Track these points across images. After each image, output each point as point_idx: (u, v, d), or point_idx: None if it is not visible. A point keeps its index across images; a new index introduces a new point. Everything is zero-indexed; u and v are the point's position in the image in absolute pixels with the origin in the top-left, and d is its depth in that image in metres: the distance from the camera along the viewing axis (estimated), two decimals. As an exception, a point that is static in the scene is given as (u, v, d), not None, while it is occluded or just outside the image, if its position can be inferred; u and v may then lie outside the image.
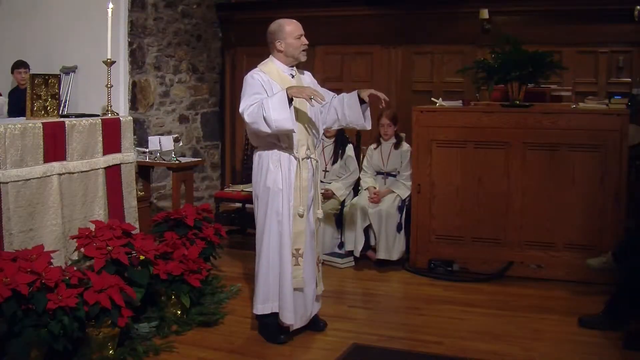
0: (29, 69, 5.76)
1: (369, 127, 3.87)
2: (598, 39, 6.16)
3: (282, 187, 3.63)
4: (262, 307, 3.69)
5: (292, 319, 3.65)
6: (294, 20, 3.73)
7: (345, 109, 3.76)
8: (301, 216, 3.65)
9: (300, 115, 3.65)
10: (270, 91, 3.58)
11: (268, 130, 3.44)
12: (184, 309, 3.93)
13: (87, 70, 5.93)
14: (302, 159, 3.66)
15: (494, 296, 4.56)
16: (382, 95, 3.65)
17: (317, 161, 3.80)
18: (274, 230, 3.64)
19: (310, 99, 3.40)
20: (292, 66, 3.76)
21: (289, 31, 3.66)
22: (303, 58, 3.73)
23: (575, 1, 6.09)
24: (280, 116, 3.38)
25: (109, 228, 3.68)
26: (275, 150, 3.65)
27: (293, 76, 3.74)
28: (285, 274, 3.63)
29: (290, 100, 3.42)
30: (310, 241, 3.73)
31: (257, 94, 3.53)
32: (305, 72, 3.92)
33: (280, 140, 3.62)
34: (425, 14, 6.63)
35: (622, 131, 4.69)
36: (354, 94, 3.74)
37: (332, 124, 3.88)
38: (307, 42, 3.72)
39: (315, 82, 3.94)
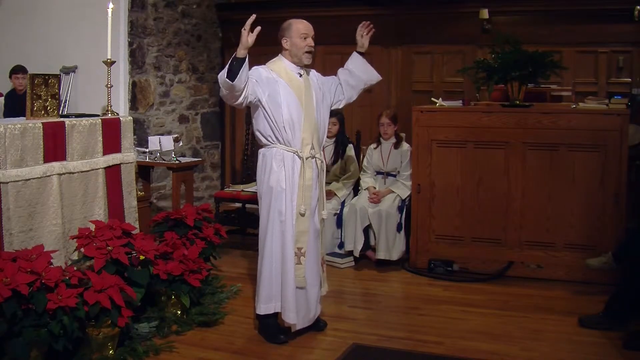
0: (27, 74, 5.73)
1: (380, 77, 4.02)
2: (598, 39, 6.17)
3: (285, 186, 3.61)
4: (265, 307, 3.68)
5: (294, 318, 3.64)
6: (306, 21, 3.72)
7: (357, 73, 3.86)
8: (302, 215, 3.63)
9: (305, 114, 3.63)
10: (272, 88, 3.58)
11: (230, 83, 3.37)
12: (184, 309, 3.93)
13: (87, 70, 5.95)
14: (307, 159, 3.64)
15: (494, 296, 4.56)
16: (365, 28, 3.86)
17: (322, 161, 3.77)
18: (277, 230, 3.63)
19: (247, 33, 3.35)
20: (301, 67, 3.73)
21: (296, 29, 3.65)
22: (306, 61, 3.68)
23: (575, 1, 6.10)
24: (230, 67, 3.37)
25: (109, 228, 3.67)
26: (279, 150, 3.64)
27: (301, 75, 3.71)
28: (288, 273, 3.62)
29: (243, 59, 3.36)
30: (315, 241, 3.71)
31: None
32: (310, 70, 3.88)
33: (284, 139, 3.61)
34: (425, 14, 6.64)
35: (622, 131, 4.69)
36: (354, 55, 3.87)
37: (351, 96, 3.93)
38: (312, 44, 3.68)
39: (321, 76, 3.91)
